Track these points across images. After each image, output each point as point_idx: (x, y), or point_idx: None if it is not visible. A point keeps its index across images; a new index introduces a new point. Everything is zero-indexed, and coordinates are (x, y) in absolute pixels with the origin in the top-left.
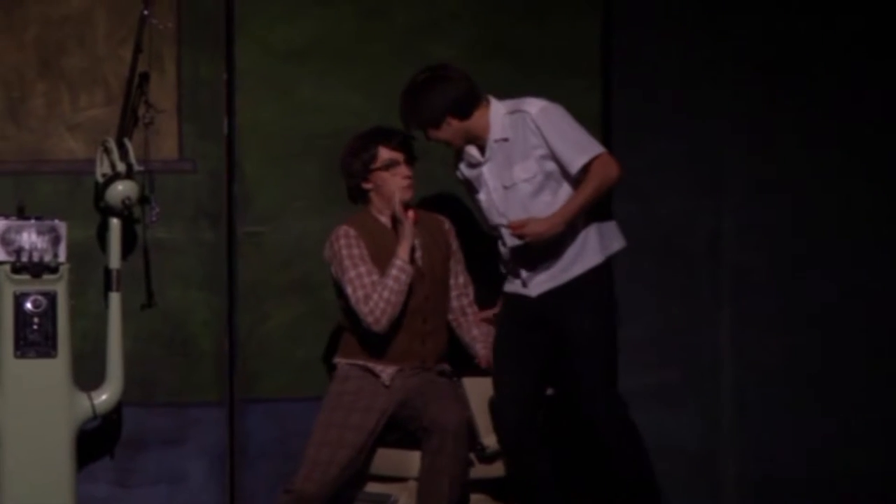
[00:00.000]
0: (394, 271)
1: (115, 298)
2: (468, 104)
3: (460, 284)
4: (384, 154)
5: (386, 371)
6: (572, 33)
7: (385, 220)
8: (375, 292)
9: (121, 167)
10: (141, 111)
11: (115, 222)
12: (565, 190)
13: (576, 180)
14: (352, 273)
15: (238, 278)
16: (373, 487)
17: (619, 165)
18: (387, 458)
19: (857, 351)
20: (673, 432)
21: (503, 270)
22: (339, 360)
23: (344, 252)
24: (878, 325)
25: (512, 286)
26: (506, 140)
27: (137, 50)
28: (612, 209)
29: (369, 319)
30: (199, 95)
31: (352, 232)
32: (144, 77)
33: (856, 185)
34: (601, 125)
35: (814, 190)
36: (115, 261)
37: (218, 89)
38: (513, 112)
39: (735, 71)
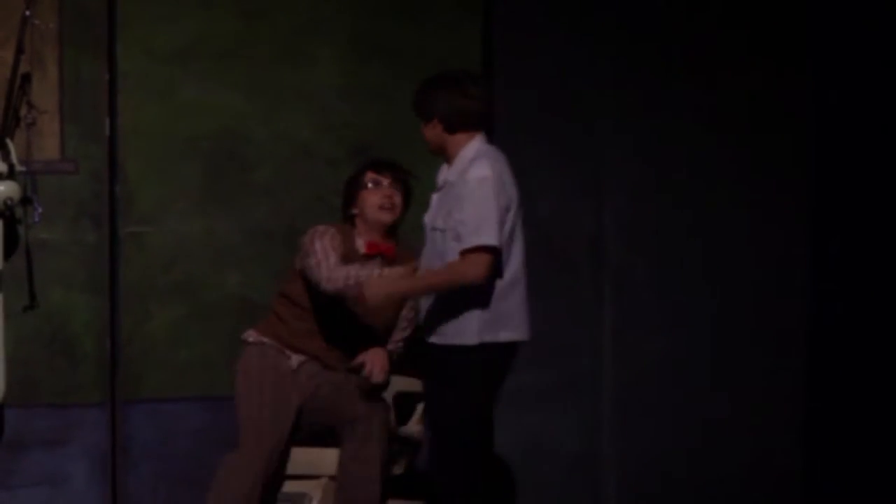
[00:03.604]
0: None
1: None
2: (459, 121)
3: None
4: (369, 176)
5: (294, 357)
6: (453, 35)
7: (360, 243)
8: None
9: (2, 167)
10: (23, 112)
11: None
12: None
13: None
14: (323, 254)
15: (120, 279)
16: (286, 486)
17: (486, 272)
18: (300, 456)
19: (739, 353)
20: (553, 433)
21: None
22: (250, 334)
23: (319, 242)
24: (760, 327)
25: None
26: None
27: (19, 51)
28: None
29: (324, 275)
30: (81, 96)
31: (337, 234)
32: (26, 78)
33: (737, 186)
34: None
35: (695, 191)
36: None
37: (100, 90)
38: (471, 161)
39: (616, 72)
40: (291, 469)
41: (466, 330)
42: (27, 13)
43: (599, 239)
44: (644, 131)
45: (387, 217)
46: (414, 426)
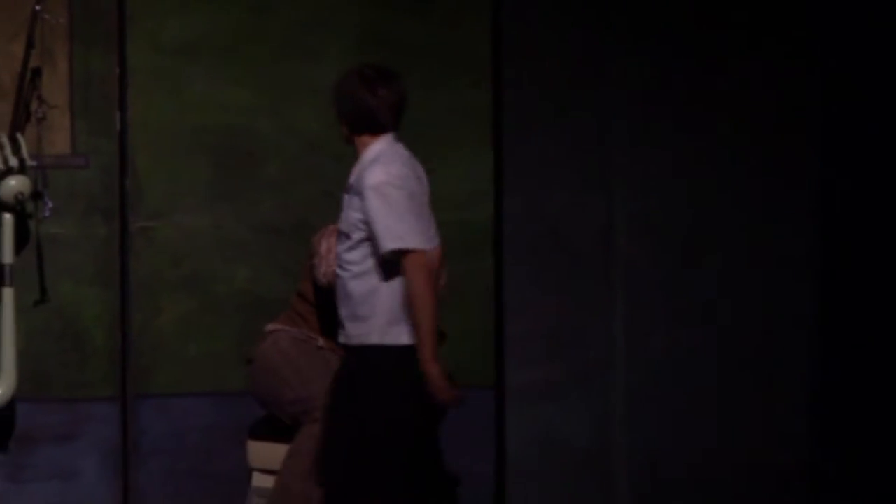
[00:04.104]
0: None
1: (7, 294)
2: (362, 122)
3: None
4: None
5: (319, 339)
6: (461, 28)
7: None
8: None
9: (13, 162)
10: (33, 107)
11: (7, 217)
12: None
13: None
14: (326, 251)
15: (130, 273)
16: (261, 481)
17: (426, 270)
18: (273, 452)
19: (749, 346)
20: (563, 427)
21: None
22: (271, 325)
23: (326, 242)
24: (769, 320)
25: None
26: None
27: (29, 46)
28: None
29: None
30: (91, 91)
31: None
32: (36, 73)
33: (745, 178)
34: (490, 120)
35: (704, 185)
36: (7, 256)
37: (110, 85)
38: (369, 164)
39: (625, 66)
40: (262, 464)
41: (371, 331)
42: (37, 8)
43: (609, 233)
44: (653, 125)
45: None
46: None
